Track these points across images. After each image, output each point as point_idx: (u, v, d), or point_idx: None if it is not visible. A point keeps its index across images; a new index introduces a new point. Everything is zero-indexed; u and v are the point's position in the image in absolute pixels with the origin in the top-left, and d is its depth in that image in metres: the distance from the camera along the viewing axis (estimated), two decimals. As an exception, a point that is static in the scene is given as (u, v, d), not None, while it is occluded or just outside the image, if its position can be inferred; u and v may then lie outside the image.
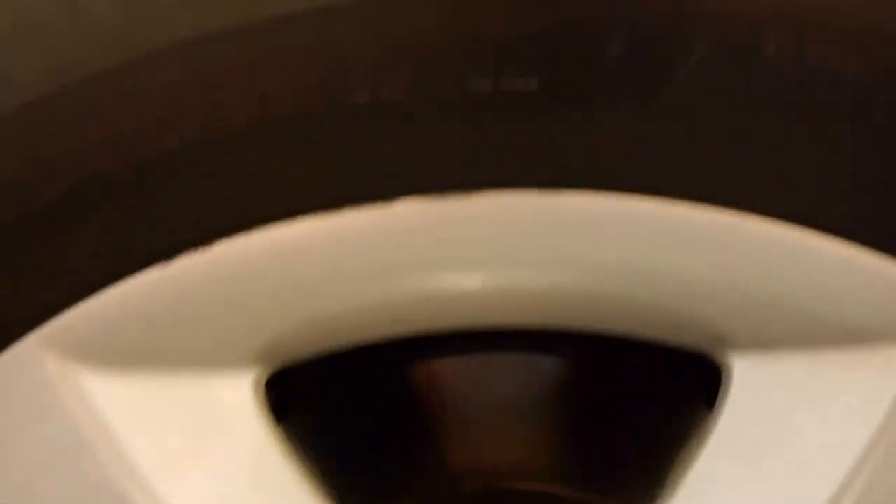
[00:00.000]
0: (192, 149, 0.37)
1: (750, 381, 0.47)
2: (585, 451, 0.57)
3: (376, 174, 0.37)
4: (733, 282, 0.42)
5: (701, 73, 0.35)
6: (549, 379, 0.56)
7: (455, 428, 0.52)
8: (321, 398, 0.51)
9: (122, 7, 0.35)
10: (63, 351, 0.43)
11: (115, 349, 0.43)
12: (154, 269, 0.39)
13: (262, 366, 0.45)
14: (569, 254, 0.41)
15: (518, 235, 0.40)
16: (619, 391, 0.58)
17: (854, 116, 0.36)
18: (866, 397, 0.46)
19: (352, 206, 0.38)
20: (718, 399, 0.48)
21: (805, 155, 0.37)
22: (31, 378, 0.43)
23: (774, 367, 0.46)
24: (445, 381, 0.54)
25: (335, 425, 0.51)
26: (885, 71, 0.36)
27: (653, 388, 0.58)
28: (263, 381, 0.45)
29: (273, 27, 0.35)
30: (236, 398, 0.45)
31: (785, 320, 0.45)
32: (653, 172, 0.37)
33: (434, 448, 0.52)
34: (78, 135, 0.37)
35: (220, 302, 0.42)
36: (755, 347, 0.46)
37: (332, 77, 0.35)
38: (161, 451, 0.44)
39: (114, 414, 0.44)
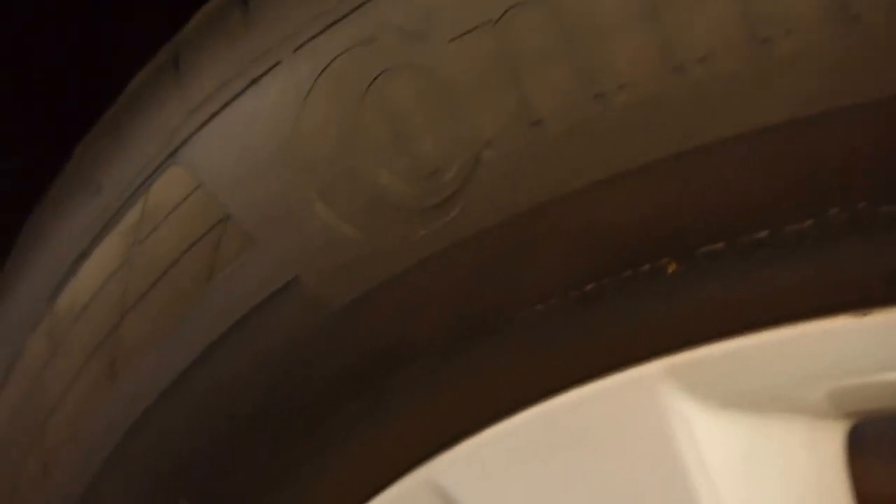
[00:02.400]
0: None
1: None
2: None
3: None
4: None
5: None
6: None
7: None
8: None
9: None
10: (685, 386, 0.38)
11: (735, 393, 0.39)
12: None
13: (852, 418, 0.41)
14: None
15: None
16: None
17: None
18: None
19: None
20: None
21: None
22: (639, 402, 0.38)
23: None
24: None
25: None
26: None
27: None
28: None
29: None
30: (829, 448, 0.41)
31: None
32: None
33: None
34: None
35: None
36: None
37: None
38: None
39: (714, 457, 0.40)
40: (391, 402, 0.37)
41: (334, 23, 0.34)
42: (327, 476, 0.40)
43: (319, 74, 0.34)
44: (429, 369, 0.36)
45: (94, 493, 0.41)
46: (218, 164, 0.36)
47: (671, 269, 0.32)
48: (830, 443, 0.41)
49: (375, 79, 0.32)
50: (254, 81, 0.35)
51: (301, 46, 0.34)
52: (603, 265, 0.33)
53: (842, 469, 0.41)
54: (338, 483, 0.40)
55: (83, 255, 0.40)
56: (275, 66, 0.35)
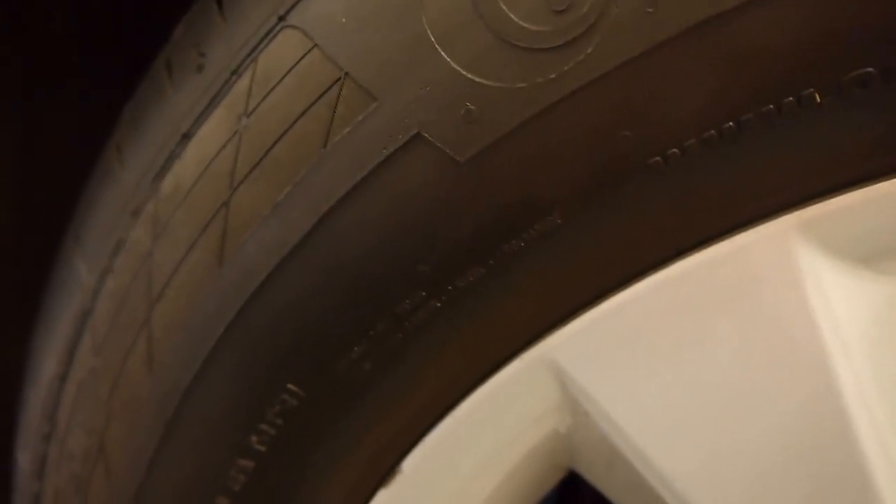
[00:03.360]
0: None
1: None
2: None
3: None
4: None
5: None
6: None
7: None
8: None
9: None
10: (818, 241, 0.37)
11: (870, 249, 0.38)
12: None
13: None
14: None
15: None
16: None
17: None
18: None
19: None
20: None
21: None
22: (773, 259, 0.37)
23: None
24: None
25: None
26: None
27: None
28: None
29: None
30: None
31: None
32: None
33: None
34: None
35: None
36: None
37: None
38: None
39: (847, 315, 0.38)
40: (514, 268, 0.37)
41: None
42: (443, 353, 0.39)
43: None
44: (555, 230, 0.35)
45: (202, 381, 0.41)
46: (333, 22, 0.35)
47: (818, 99, 0.31)
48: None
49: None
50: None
51: None
52: (744, 99, 0.32)
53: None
54: (452, 362, 0.40)
55: (187, 136, 0.40)
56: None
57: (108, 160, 0.44)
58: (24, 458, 0.50)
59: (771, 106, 0.32)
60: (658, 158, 0.33)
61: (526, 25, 0.32)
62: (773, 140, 0.33)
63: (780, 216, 0.35)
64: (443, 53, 0.33)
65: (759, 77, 0.31)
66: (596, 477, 0.45)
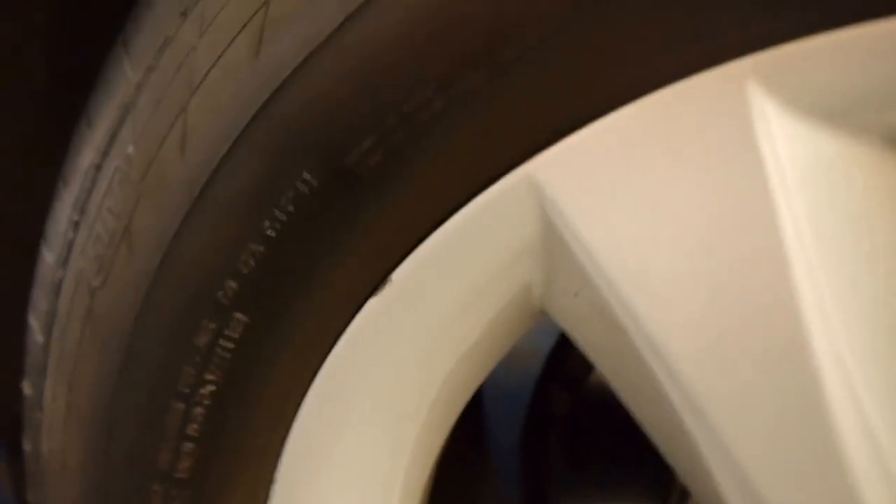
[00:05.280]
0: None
1: None
2: None
3: None
4: None
5: None
6: None
7: None
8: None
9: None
10: (771, 86, 0.41)
11: (824, 97, 0.42)
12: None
13: None
14: None
15: None
16: None
17: None
18: None
19: None
20: None
21: None
22: (721, 106, 0.42)
23: None
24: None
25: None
26: None
27: None
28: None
29: None
30: None
31: None
32: None
33: None
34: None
35: None
36: None
37: None
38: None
39: (794, 163, 0.42)
40: (502, 80, 0.42)
41: None
42: (441, 159, 0.44)
43: None
44: (541, 42, 0.40)
45: (227, 163, 0.46)
46: None
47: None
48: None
49: None
50: None
51: None
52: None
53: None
54: (448, 170, 0.45)
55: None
56: None
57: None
58: (48, 253, 0.54)
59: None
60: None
61: None
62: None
63: (737, 59, 0.40)
64: None
65: None
66: (563, 307, 0.49)
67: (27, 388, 0.58)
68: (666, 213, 0.43)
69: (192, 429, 0.49)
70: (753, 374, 0.44)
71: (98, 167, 0.50)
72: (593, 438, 0.80)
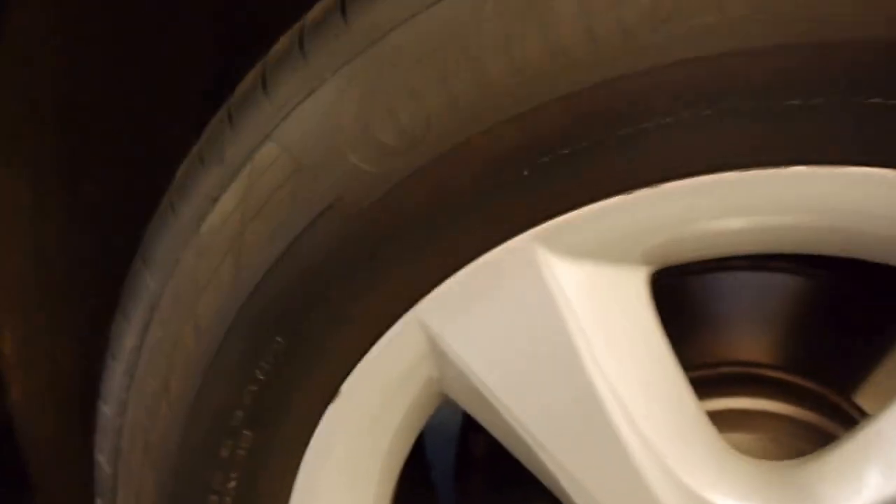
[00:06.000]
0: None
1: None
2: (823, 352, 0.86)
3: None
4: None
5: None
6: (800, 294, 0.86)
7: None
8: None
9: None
10: (549, 244, 0.66)
11: (587, 245, 0.66)
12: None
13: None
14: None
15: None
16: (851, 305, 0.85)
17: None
18: None
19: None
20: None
21: None
22: (521, 263, 0.67)
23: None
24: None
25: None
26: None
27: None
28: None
29: None
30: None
31: None
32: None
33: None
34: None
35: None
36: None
37: None
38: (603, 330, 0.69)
39: (579, 302, 0.68)
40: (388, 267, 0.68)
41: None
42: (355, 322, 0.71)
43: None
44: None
45: (226, 345, 0.72)
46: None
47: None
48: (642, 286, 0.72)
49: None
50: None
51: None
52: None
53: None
54: (359, 327, 0.71)
55: (215, 200, 0.71)
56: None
57: (163, 212, 0.75)
58: (107, 408, 0.80)
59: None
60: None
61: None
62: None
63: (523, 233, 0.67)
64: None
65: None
66: (461, 401, 0.76)
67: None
68: (505, 338, 0.70)
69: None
70: (569, 420, 0.71)
71: (139, 348, 0.76)
72: (510, 473, 1.05)
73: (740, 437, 0.86)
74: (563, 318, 0.69)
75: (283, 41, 0.70)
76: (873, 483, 0.70)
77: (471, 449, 1.04)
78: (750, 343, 0.94)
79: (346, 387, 0.74)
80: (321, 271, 0.69)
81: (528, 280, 0.68)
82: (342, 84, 0.65)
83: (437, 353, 0.72)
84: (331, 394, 0.74)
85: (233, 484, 0.75)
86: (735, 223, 0.67)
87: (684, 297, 0.96)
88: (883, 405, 0.70)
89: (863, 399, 0.92)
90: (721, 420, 0.83)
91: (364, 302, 0.70)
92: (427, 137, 0.63)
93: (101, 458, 0.80)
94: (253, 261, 0.70)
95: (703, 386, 0.87)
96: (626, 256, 0.69)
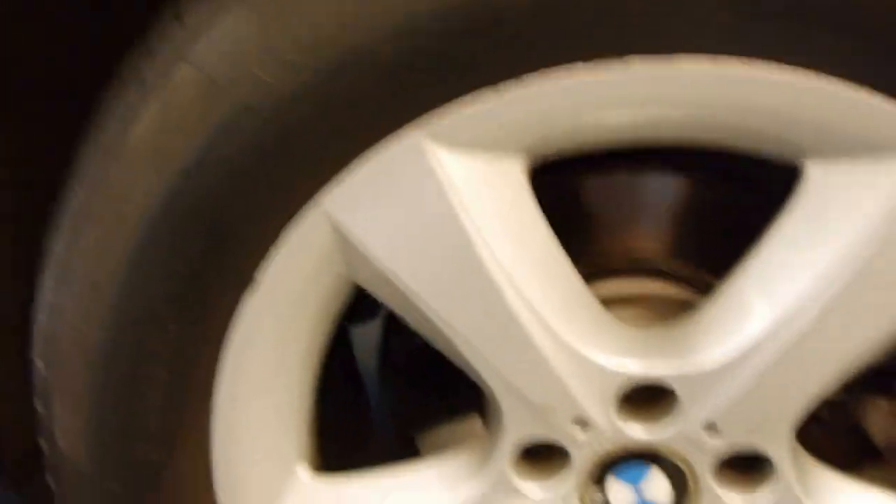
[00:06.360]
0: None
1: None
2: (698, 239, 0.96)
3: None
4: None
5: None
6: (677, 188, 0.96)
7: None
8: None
9: None
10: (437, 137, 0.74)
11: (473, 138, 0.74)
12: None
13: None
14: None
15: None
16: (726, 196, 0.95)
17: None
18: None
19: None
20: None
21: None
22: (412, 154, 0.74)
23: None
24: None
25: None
26: None
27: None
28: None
29: None
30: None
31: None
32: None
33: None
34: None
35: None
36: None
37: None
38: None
39: (464, 187, 0.76)
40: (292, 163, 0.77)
41: None
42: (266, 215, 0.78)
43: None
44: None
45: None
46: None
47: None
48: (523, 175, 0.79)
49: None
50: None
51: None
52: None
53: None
54: (270, 218, 0.79)
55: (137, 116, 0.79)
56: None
57: (92, 132, 0.83)
58: (42, 315, 0.86)
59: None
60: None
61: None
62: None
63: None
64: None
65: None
66: (370, 288, 0.84)
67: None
68: (401, 224, 0.77)
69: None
70: (463, 296, 0.79)
71: (68, 253, 0.83)
72: (431, 372, 1.13)
73: (627, 313, 0.96)
74: (452, 205, 0.77)
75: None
76: (738, 329, 0.80)
77: (391, 350, 1.13)
78: (639, 238, 1.03)
79: (262, 275, 0.82)
80: (234, 171, 0.77)
81: (417, 170, 0.76)
82: (245, 10, 0.74)
83: (344, 242, 0.81)
84: (247, 282, 0.82)
85: (163, 376, 0.83)
86: (602, 115, 0.76)
87: (579, 200, 1.05)
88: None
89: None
90: (612, 302, 0.93)
91: (273, 195, 0.78)
92: (320, 51, 0.73)
93: (38, 362, 0.87)
94: (173, 167, 0.77)
95: (597, 275, 0.97)
96: (507, 147, 0.78)
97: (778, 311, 0.77)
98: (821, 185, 0.75)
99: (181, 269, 0.80)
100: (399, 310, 0.85)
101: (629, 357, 0.82)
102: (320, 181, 0.77)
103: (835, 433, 0.96)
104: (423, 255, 0.79)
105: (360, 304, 0.94)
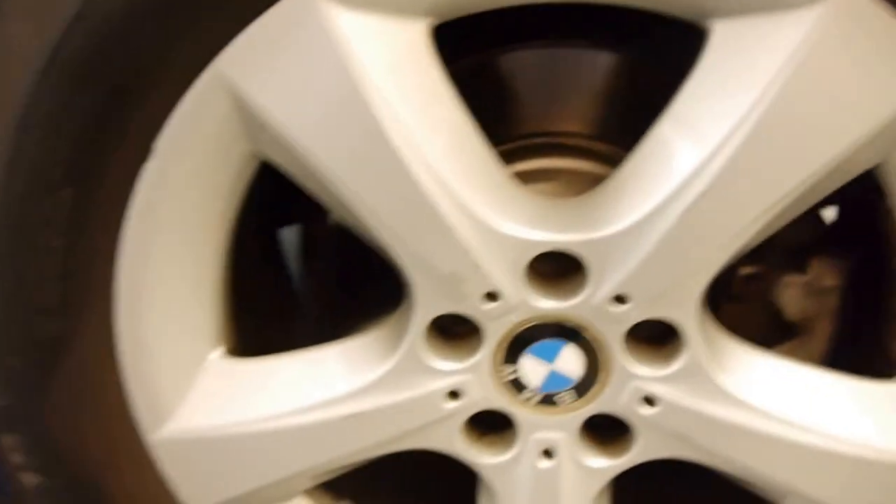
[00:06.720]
0: None
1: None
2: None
3: None
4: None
5: None
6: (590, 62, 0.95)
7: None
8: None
9: None
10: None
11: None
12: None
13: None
14: None
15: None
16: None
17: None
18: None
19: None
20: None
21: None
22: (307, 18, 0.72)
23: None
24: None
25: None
26: None
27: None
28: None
29: None
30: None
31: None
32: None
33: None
34: None
35: None
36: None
37: None
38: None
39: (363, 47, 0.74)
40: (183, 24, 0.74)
41: None
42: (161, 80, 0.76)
43: None
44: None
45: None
46: None
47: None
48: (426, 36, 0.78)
49: None
50: None
51: None
52: None
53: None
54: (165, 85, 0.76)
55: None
56: None
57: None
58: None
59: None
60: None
61: None
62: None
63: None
64: None
65: None
66: (272, 158, 0.82)
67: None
68: (301, 87, 0.75)
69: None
70: (365, 160, 0.78)
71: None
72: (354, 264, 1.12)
73: (545, 187, 0.94)
74: (349, 66, 0.75)
75: None
76: (641, 194, 0.79)
77: (313, 234, 1.11)
78: (553, 114, 1.02)
79: (160, 142, 0.79)
80: (115, 27, 0.74)
81: (311, 29, 0.74)
82: None
83: (243, 108, 0.78)
84: (144, 151, 0.79)
85: (59, 241, 0.81)
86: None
87: (497, 77, 1.03)
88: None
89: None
90: (529, 177, 0.91)
91: (160, 54, 0.75)
92: None
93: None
94: (54, 17, 0.74)
95: (514, 153, 0.95)
96: (408, 7, 0.76)
97: (679, 174, 0.75)
98: (725, 43, 0.73)
99: (72, 131, 0.77)
100: (306, 184, 0.83)
101: (536, 226, 0.80)
102: (211, 40, 0.75)
103: (749, 310, 0.96)
104: (321, 121, 0.77)
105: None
